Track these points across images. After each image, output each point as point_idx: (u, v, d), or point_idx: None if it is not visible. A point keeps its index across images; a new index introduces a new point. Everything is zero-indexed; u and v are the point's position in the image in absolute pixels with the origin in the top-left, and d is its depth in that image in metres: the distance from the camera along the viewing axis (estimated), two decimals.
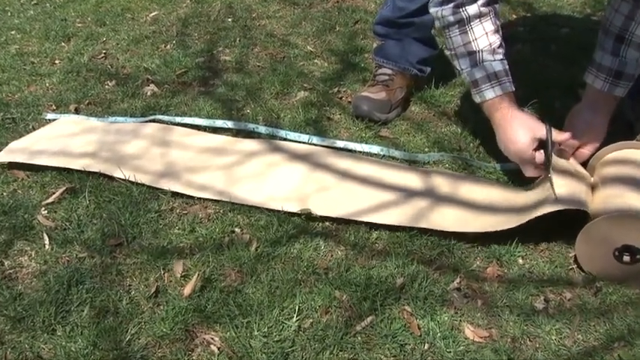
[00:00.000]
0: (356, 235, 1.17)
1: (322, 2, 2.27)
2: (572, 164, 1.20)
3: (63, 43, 2.07)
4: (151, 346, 0.97)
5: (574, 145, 1.22)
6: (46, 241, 1.19)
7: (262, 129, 1.50)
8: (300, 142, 1.44)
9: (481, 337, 0.97)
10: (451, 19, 1.20)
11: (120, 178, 1.32)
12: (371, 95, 1.53)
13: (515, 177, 1.28)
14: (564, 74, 1.69)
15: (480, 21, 1.19)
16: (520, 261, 1.12)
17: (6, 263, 1.15)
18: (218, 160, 1.38)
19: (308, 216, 1.20)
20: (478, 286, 1.07)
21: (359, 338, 0.97)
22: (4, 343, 0.99)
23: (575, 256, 1.10)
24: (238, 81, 1.76)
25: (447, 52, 1.29)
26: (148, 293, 1.06)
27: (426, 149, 1.43)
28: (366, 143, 1.44)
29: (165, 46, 2.01)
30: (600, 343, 0.96)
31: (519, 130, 1.17)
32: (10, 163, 1.40)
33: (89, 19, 2.25)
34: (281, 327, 0.99)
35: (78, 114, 1.63)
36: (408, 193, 1.24)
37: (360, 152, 1.41)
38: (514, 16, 2.11)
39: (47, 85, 1.80)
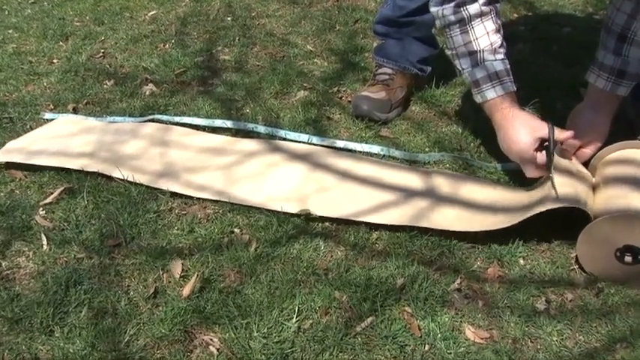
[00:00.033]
0: (356, 235, 1.17)
1: (322, 1, 2.27)
2: (574, 164, 1.20)
3: (61, 42, 2.06)
4: (150, 347, 0.97)
5: (576, 145, 1.21)
6: (44, 242, 1.18)
7: (262, 129, 1.49)
8: (299, 141, 1.43)
9: (482, 338, 0.97)
10: (452, 18, 1.20)
11: (118, 178, 1.31)
12: (371, 95, 1.52)
13: (516, 177, 1.28)
14: (566, 74, 1.68)
15: (481, 20, 1.18)
16: (521, 261, 1.11)
17: (3, 264, 1.14)
18: (217, 160, 1.38)
19: (307, 216, 1.20)
20: (479, 287, 1.06)
21: (359, 339, 0.97)
22: (1, 344, 0.98)
23: (576, 256, 1.09)
24: (237, 80, 1.76)
25: (448, 52, 1.29)
26: (146, 294, 1.05)
27: (427, 149, 1.42)
28: (366, 143, 1.43)
29: (164, 46, 2.00)
30: (602, 345, 0.96)
31: (521, 130, 1.17)
32: (7, 163, 1.39)
33: (87, 18, 2.25)
34: (280, 328, 0.98)
35: (76, 113, 1.63)
36: (409, 194, 1.24)
37: (360, 152, 1.40)
38: (515, 15, 2.11)
39: (45, 84, 1.79)
